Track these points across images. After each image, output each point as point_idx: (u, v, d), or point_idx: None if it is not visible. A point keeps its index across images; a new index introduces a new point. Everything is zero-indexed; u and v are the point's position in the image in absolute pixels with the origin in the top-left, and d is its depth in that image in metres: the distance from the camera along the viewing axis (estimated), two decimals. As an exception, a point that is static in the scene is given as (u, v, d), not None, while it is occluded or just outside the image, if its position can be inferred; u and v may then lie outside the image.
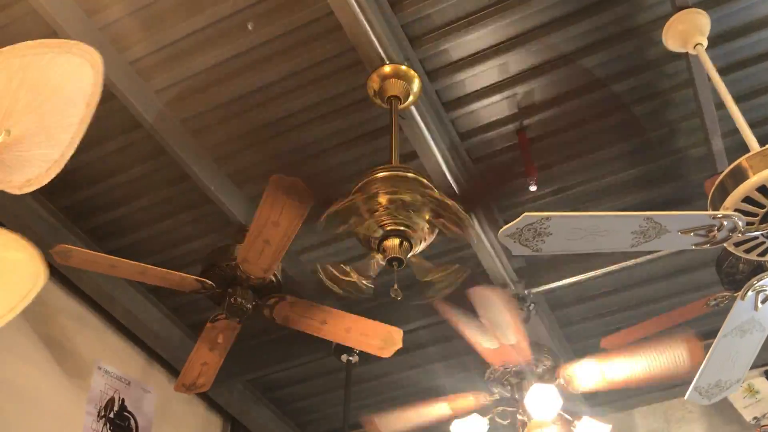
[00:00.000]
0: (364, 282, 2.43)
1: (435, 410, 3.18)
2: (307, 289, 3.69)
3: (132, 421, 3.75)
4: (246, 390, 4.43)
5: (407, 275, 2.48)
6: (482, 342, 3.05)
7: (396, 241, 2.22)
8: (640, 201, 3.45)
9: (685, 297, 3.62)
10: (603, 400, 4.10)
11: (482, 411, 3.17)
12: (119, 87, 2.81)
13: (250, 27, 2.72)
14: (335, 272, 2.47)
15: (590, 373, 3.07)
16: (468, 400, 3.16)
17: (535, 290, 3.58)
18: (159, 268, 2.86)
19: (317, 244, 3.61)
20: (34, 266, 1.82)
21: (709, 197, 2.01)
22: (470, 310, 2.97)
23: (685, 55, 2.79)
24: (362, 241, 2.31)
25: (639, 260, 3.47)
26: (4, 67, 1.64)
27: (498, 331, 2.95)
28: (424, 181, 2.40)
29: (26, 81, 1.66)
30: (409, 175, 2.34)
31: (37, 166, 1.76)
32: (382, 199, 2.23)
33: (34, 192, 3.36)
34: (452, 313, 3.04)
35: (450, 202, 2.27)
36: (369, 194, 2.23)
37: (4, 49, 1.65)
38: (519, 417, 3.09)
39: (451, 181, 3.09)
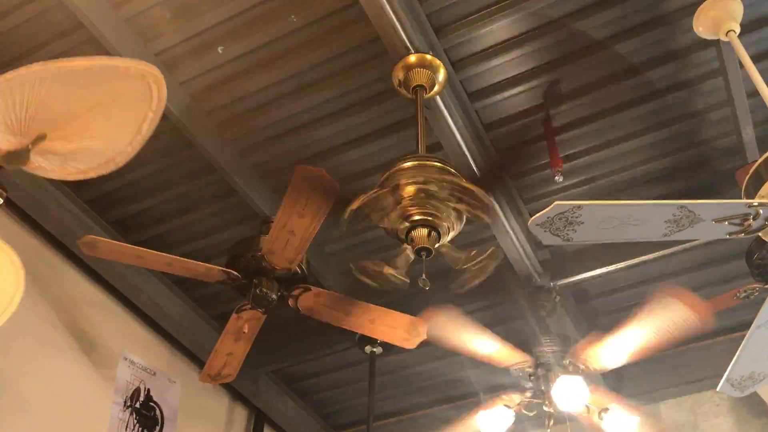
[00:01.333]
0: (398, 275, 2.42)
1: (484, 345, 3.10)
2: (331, 281, 3.69)
3: (158, 411, 3.78)
4: (270, 381, 4.45)
5: (437, 265, 2.46)
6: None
7: (424, 231, 2.21)
8: (668, 192, 3.40)
9: (713, 289, 3.57)
10: (628, 393, 4.06)
11: (508, 402, 3.15)
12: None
13: (293, 18, 2.73)
14: (368, 268, 2.46)
15: (603, 348, 3.01)
16: (514, 353, 3.10)
17: (560, 282, 3.55)
18: (185, 259, 2.87)
19: (342, 236, 3.61)
20: (14, 271, 1.91)
21: (744, 185, 1.97)
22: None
23: (716, 43, 2.74)
24: (390, 233, 2.30)
25: (666, 252, 3.42)
26: (66, 80, 1.74)
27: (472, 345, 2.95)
28: (451, 169, 2.39)
29: (84, 92, 1.83)
30: (437, 164, 2.33)
31: (86, 162, 2.00)
32: (408, 190, 2.22)
33: (60, 184, 3.42)
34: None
35: (474, 188, 2.25)
36: (393, 186, 2.22)
37: (77, 64, 1.80)
38: (545, 409, 3.07)
39: (476, 172, 3.07)
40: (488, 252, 2.45)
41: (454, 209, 2.30)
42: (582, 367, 3.00)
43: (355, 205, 2.26)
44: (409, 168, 2.34)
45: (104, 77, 1.84)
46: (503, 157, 3.10)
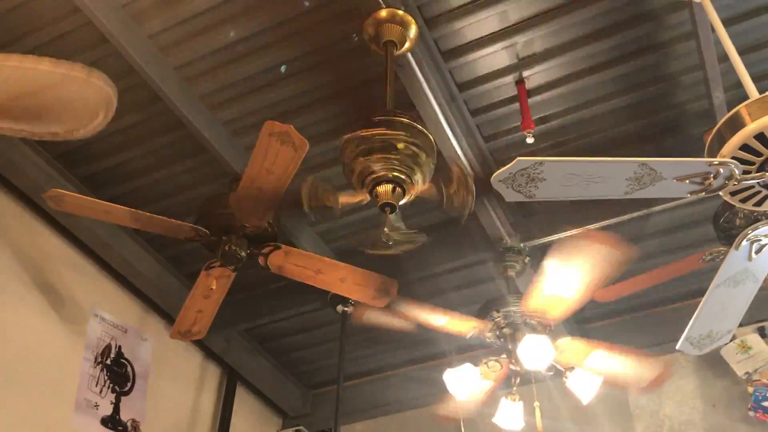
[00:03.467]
0: (338, 210, 2.40)
1: (434, 319, 3.14)
2: (302, 239, 3.69)
3: (129, 368, 3.79)
4: (243, 340, 4.47)
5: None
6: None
7: (389, 187, 2.21)
8: (639, 155, 3.38)
9: (681, 253, 3.61)
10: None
11: (473, 360, 3.19)
12: (111, 30, 2.77)
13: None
14: (319, 189, 2.43)
15: (575, 352, 3.07)
16: (469, 321, 3.14)
17: (530, 244, 3.57)
18: (153, 215, 2.85)
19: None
20: None
21: (707, 145, 1.98)
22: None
23: (689, 5, 2.73)
24: (354, 182, 2.29)
25: (634, 215, 3.45)
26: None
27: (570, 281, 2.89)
28: (421, 128, 2.38)
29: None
30: (405, 121, 2.32)
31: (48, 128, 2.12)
32: (379, 142, 2.21)
33: (29, 139, 3.38)
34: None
35: (465, 174, 2.27)
36: (368, 135, 2.21)
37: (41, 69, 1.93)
38: (512, 367, 3.11)
39: (449, 133, 3.06)
40: (416, 235, 2.47)
41: (422, 172, 2.30)
42: (544, 322, 3.03)
43: (304, 199, 2.28)
44: (379, 122, 2.32)
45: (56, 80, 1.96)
46: None
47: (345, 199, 2.37)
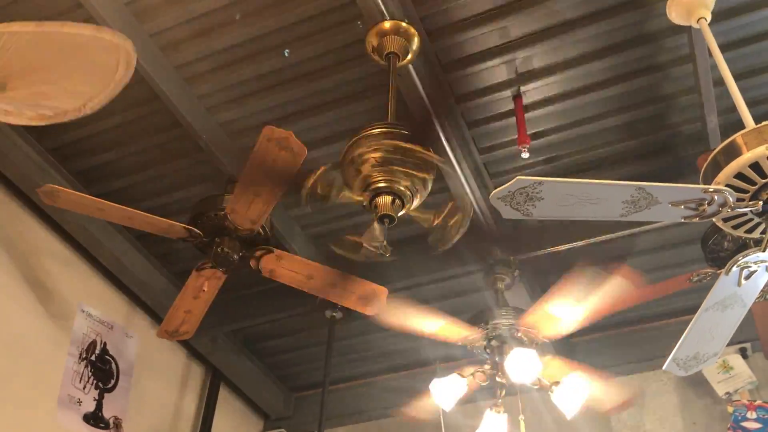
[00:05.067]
0: (376, 246, 2.42)
1: (429, 323, 3.16)
2: (295, 244, 3.70)
3: (113, 365, 3.77)
4: (229, 341, 4.46)
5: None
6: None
7: (388, 199, 2.22)
8: (631, 174, 3.45)
9: (668, 272, 3.65)
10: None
11: (461, 371, 3.20)
12: (113, 27, 2.75)
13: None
14: (347, 243, 2.47)
15: (546, 318, 3.09)
16: (461, 329, 3.16)
17: (520, 257, 3.60)
18: (147, 214, 2.84)
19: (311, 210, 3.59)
20: None
21: (702, 171, 2.01)
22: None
23: (688, 29, 2.77)
24: (354, 198, 2.31)
25: (624, 233, 3.48)
26: (42, 40, 1.89)
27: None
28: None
29: (56, 50, 1.92)
30: (404, 132, 2.33)
31: (48, 110, 2.08)
32: (377, 155, 2.22)
33: (22, 131, 3.36)
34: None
35: (433, 155, 2.28)
36: (365, 150, 2.22)
37: (48, 25, 1.91)
38: (498, 380, 3.13)
39: (445, 144, 3.07)
40: (453, 205, 2.47)
41: (419, 177, 2.31)
42: (534, 338, 3.06)
43: (309, 183, 2.27)
44: (375, 135, 2.33)
45: (81, 42, 1.92)
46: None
47: (347, 195, 2.38)
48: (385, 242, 2.24)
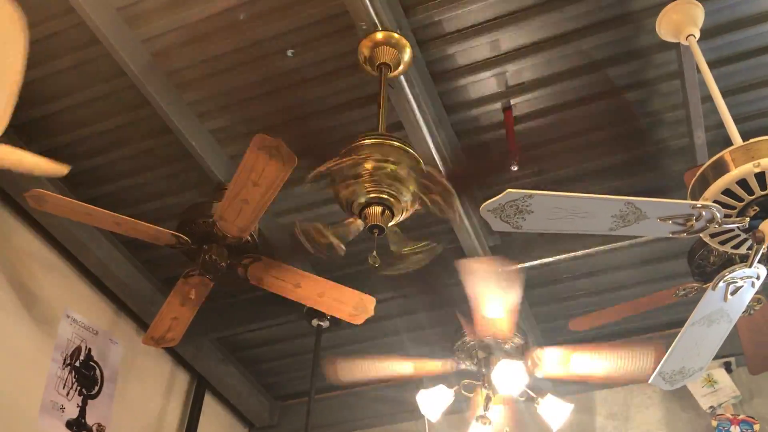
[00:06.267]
0: (338, 244, 2.42)
1: (400, 368, 3.20)
2: (283, 252, 3.68)
3: (98, 371, 3.73)
4: (215, 348, 4.43)
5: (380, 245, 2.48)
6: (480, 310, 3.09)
7: (378, 209, 2.22)
8: (618, 188, 3.46)
9: (654, 286, 3.67)
10: (564, 381, 4.17)
11: (448, 382, 3.20)
12: (104, 32, 2.75)
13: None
14: (312, 231, 2.45)
15: (557, 361, 3.12)
16: (434, 364, 3.19)
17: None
18: (134, 220, 2.83)
19: (296, 207, 3.60)
20: None
21: (690, 187, 2.03)
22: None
23: (677, 46, 2.80)
24: (343, 206, 2.31)
25: (610, 246, 3.50)
26: None
27: (487, 304, 2.97)
28: (411, 151, 2.40)
29: None
30: (396, 144, 2.34)
31: None
32: (369, 166, 2.23)
33: (11, 135, 3.33)
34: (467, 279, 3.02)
35: (438, 176, 2.28)
36: (358, 159, 2.23)
37: None
38: (484, 391, 3.13)
39: (435, 155, 3.08)
40: (429, 247, 2.50)
41: (412, 193, 2.32)
42: (530, 365, 3.09)
43: (323, 168, 2.28)
44: (369, 145, 2.34)
45: None
46: (478, 168, 3.09)
47: (337, 230, 2.39)
48: (374, 252, 2.24)
